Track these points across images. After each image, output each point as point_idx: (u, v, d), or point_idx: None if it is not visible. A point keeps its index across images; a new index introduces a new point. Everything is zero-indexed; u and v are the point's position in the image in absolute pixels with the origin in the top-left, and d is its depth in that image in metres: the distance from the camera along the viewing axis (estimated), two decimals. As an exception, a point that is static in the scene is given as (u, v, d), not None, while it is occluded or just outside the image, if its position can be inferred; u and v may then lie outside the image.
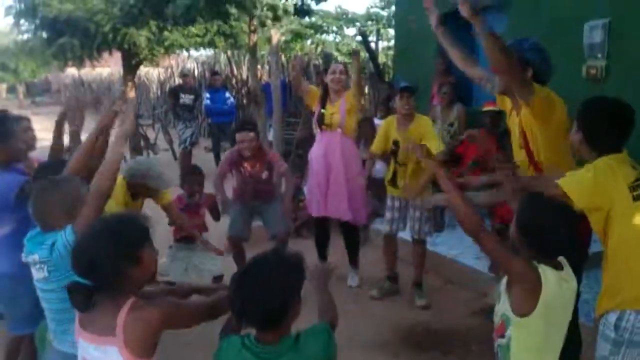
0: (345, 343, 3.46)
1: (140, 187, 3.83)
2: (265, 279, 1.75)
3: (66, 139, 3.51)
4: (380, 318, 4.51)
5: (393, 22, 21.94)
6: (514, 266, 2.07)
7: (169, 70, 21.50)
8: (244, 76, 14.58)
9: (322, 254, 5.28)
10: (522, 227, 2.16)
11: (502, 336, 2.16)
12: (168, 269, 4.48)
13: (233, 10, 8.92)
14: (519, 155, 3.10)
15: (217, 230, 5.21)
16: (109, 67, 24.60)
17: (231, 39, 12.63)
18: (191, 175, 4.82)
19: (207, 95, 10.69)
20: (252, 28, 8.90)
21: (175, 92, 10.67)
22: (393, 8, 24.12)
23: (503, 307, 2.16)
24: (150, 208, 4.05)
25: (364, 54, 9.90)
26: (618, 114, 2.52)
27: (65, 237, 2.20)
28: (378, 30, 10.78)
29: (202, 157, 10.63)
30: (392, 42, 17.96)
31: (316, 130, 5.20)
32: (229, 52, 16.21)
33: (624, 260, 2.37)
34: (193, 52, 17.96)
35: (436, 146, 4.53)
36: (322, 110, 4.97)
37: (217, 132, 10.50)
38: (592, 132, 2.52)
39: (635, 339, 2.32)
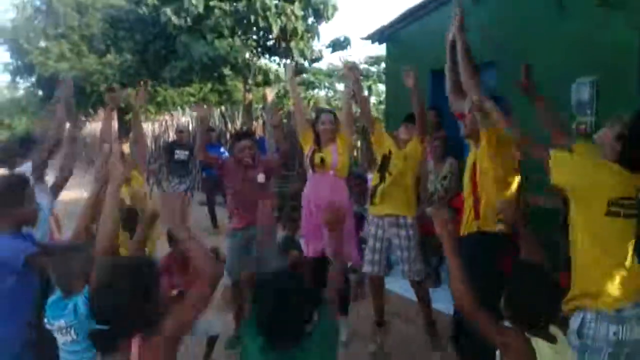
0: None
1: None
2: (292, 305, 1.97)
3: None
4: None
5: (383, 78, 22.48)
6: (507, 343, 2.08)
7: (164, 124, 21.69)
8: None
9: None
10: (511, 300, 2.17)
11: None
12: None
13: (228, 72, 9.15)
14: (467, 187, 3.51)
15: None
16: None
17: (225, 95, 12.93)
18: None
19: (203, 147, 10.76)
20: (247, 88, 9.09)
21: (170, 147, 10.76)
22: (383, 65, 24.77)
23: None
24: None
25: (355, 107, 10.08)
26: None
27: (84, 297, 2.35)
28: (369, 87, 11.06)
29: (197, 211, 10.62)
30: (383, 97, 18.33)
31: (308, 172, 5.24)
32: (222, 108, 16.46)
33: (586, 267, 2.46)
34: (186, 110, 18.29)
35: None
36: (315, 149, 5.04)
37: (211, 185, 10.54)
38: (633, 150, 2.53)
39: (597, 345, 2.40)
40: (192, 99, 12.84)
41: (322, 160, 4.92)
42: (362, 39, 9.25)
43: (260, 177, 5.00)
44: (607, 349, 2.42)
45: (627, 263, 2.46)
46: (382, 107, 16.70)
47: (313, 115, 12.43)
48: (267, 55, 8.87)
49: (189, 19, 8.67)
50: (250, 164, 4.97)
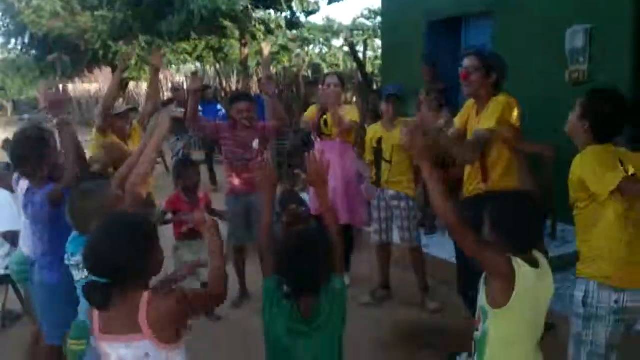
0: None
1: None
2: (316, 258, 2.09)
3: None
4: (377, 319, 4.62)
5: (379, 33, 22.27)
6: (488, 259, 2.14)
7: (159, 84, 21.57)
8: (234, 88, 14.70)
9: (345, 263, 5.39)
10: (494, 224, 2.23)
11: (478, 329, 2.26)
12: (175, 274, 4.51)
13: (227, 24, 9.02)
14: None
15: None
16: (97, 83, 24.66)
17: (220, 53, 12.84)
18: (185, 168, 4.72)
19: (199, 107, 10.76)
20: (244, 42, 9.03)
21: (166, 105, 10.75)
22: (379, 19, 24.53)
23: (481, 300, 2.24)
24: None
25: (351, 64, 10.05)
26: (625, 107, 2.68)
27: None
28: (365, 41, 11.01)
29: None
30: (379, 52, 18.21)
31: (315, 139, 5.28)
32: (217, 66, 16.38)
33: (604, 241, 2.56)
34: (181, 68, 18.09)
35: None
36: (324, 117, 5.07)
37: (209, 143, 10.57)
38: (601, 123, 2.64)
39: (600, 313, 2.54)
40: (187, 57, 12.76)
41: (329, 129, 4.94)
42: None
43: (255, 144, 4.90)
44: (610, 316, 2.56)
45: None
46: (378, 62, 16.62)
47: (310, 73, 12.48)
48: (265, 8, 8.78)
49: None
50: (248, 126, 4.85)
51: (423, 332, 4.42)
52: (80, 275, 2.47)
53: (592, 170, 2.56)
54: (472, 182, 3.57)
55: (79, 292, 2.49)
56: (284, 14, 9.17)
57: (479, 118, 3.49)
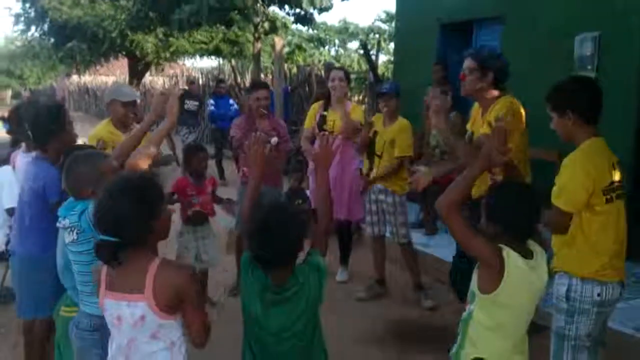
0: (337, 338, 3.51)
1: None
2: (284, 232, 2.08)
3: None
4: (371, 315, 4.67)
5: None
6: (477, 248, 2.16)
7: (174, 79, 21.77)
8: (247, 85, 14.80)
9: (344, 258, 5.48)
10: (489, 213, 2.26)
11: (465, 309, 2.31)
12: (179, 257, 4.57)
13: (236, 16, 9.13)
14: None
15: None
16: (113, 76, 24.92)
17: (237, 47, 12.95)
18: (194, 151, 4.76)
19: (212, 101, 10.90)
20: (257, 36, 9.11)
21: (181, 97, 10.85)
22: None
23: (472, 283, 2.28)
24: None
25: (365, 66, 10.10)
26: (586, 80, 2.80)
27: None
28: (379, 43, 11.09)
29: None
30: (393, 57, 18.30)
31: (317, 134, 5.33)
32: (233, 62, 16.51)
33: (593, 244, 2.62)
34: (197, 62, 18.31)
35: (404, 149, 4.75)
36: (324, 113, 5.13)
37: (219, 137, 10.65)
38: (579, 103, 2.68)
39: (584, 307, 2.60)
40: (204, 46, 12.87)
41: (331, 125, 5.01)
42: (373, -8, 9.18)
43: (274, 140, 4.93)
44: (593, 309, 2.63)
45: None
46: (392, 65, 16.66)
47: (323, 74, 12.53)
48: (276, 3, 8.86)
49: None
50: (265, 114, 4.95)
51: (416, 330, 4.46)
52: (68, 238, 2.52)
53: (563, 180, 2.62)
54: (480, 182, 3.57)
55: (68, 256, 2.56)
56: (292, 11, 9.21)
57: (483, 120, 3.52)
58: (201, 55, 14.39)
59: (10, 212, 4.50)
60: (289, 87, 11.59)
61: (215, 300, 4.89)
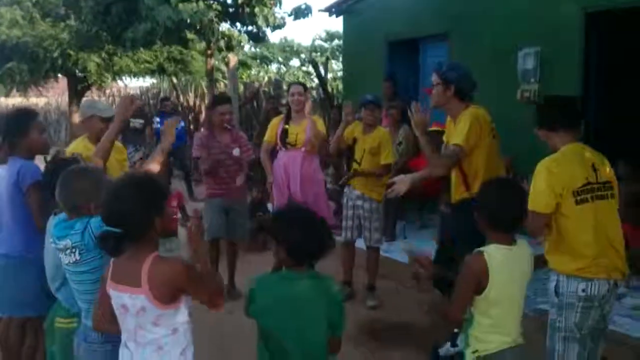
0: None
1: None
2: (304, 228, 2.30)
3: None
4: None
5: (337, 54, 22.91)
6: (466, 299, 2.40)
7: (111, 98, 21.37)
8: (191, 103, 14.76)
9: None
10: (478, 207, 2.47)
11: (466, 312, 2.48)
12: None
13: (192, 36, 9.18)
14: None
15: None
16: (45, 97, 24.14)
17: (181, 65, 12.94)
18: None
19: (157, 119, 10.78)
20: (210, 52, 9.16)
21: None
22: (336, 42, 25.17)
23: None
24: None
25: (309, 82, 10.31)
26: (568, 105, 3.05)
27: (96, 224, 2.36)
28: (327, 60, 11.35)
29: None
30: (337, 74, 18.68)
31: (279, 148, 5.35)
32: (174, 79, 16.41)
33: (569, 244, 2.83)
34: (134, 82, 18.04)
35: (386, 155, 4.93)
36: (286, 127, 5.24)
37: (167, 156, 10.54)
38: (551, 122, 2.94)
39: (569, 301, 2.80)
40: (148, 65, 12.79)
41: (294, 138, 5.10)
42: (320, 11, 9.43)
43: (236, 152, 5.07)
44: (578, 303, 2.77)
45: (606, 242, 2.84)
46: (335, 83, 17.01)
47: (271, 90, 12.69)
48: (229, 22, 8.97)
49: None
50: (229, 129, 5.05)
51: (386, 328, 4.62)
52: (68, 259, 2.43)
53: (534, 184, 2.83)
54: (457, 189, 3.76)
55: (66, 276, 2.53)
56: (246, 29, 9.33)
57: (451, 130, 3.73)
58: (145, 75, 14.28)
59: None
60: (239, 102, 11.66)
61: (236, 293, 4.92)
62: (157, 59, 12.80)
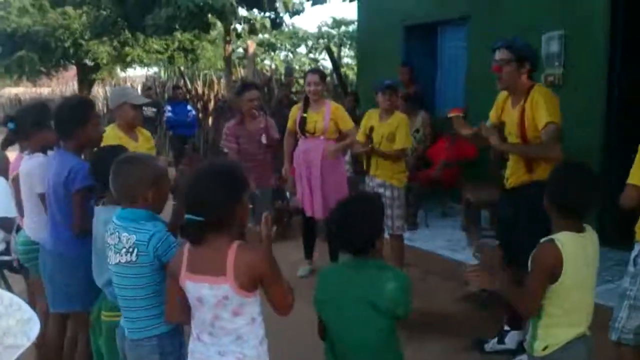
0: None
1: None
2: (360, 217, 2.35)
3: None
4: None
5: (344, 41, 22.79)
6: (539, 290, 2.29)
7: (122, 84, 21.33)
8: (200, 91, 14.72)
9: (308, 253, 5.52)
10: (547, 193, 2.36)
11: None
12: None
13: (214, 20, 9.10)
14: (515, 140, 3.55)
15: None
16: (49, 87, 24.15)
17: (192, 55, 12.84)
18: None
19: (169, 107, 10.74)
20: (228, 39, 9.09)
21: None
22: (343, 28, 25.00)
23: None
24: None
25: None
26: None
27: (161, 242, 2.32)
28: (340, 46, 11.26)
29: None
30: (344, 61, 18.56)
31: (299, 136, 5.36)
32: (182, 68, 16.34)
33: None
34: (139, 71, 17.95)
35: (404, 141, 4.84)
36: (304, 115, 5.19)
37: (178, 144, 10.55)
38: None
39: None
40: (159, 55, 12.72)
41: (313, 126, 5.07)
42: (335, -4, 9.33)
43: (263, 138, 5.08)
44: None
45: None
46: (343, 69, 16.87)
47: (283, 76, 12.60)
48: (247, 8, 8.90)
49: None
50: (257, 115, 5.04)
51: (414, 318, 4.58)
52: (124, 257, 2.32)
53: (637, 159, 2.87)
54: (515, 174, 3.58)
55: (111, 276, 2.45)
56: (263, 15, 9.27)
57: (516, 110, 3.50)
58: (155, 64, 14.22)
59: (1, 221, 4.36)
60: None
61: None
62: (169, 49, 12.72)
